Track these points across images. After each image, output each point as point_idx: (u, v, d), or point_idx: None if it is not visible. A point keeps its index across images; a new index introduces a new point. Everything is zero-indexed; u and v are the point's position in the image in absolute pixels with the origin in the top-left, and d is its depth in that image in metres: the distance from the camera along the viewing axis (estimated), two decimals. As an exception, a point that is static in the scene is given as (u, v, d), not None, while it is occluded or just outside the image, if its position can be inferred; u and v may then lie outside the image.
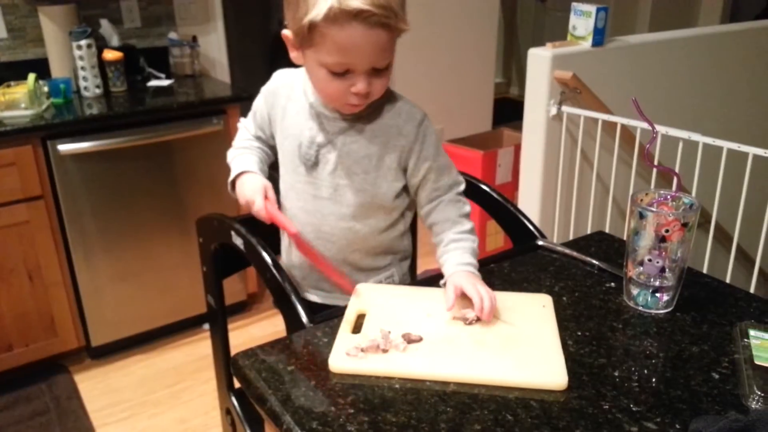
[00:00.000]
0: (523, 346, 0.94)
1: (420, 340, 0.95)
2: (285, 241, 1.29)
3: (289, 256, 1.28)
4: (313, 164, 1.14)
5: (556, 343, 0.94)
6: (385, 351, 0.92)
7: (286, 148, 1.17)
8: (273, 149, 1.25)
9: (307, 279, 1.27)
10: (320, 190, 1.15)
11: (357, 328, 0.98)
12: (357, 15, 0.93)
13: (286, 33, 1.04)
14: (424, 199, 1.16)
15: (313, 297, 1.27)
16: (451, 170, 1.16)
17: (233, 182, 1.19)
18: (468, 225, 1.14)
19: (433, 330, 0.97)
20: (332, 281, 1.14)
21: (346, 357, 0.91)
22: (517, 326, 0.99)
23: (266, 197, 1.11)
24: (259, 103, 1.22)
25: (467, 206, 1.17)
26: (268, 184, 1.14)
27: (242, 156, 1.21)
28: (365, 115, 1.10)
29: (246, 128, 1.27)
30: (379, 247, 1.21)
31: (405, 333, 0.95)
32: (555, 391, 0.86)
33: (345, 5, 0.93)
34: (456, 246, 1.10)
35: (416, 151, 1.12)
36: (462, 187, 1.17)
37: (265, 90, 1.21)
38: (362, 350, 0.91)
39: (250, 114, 1.26)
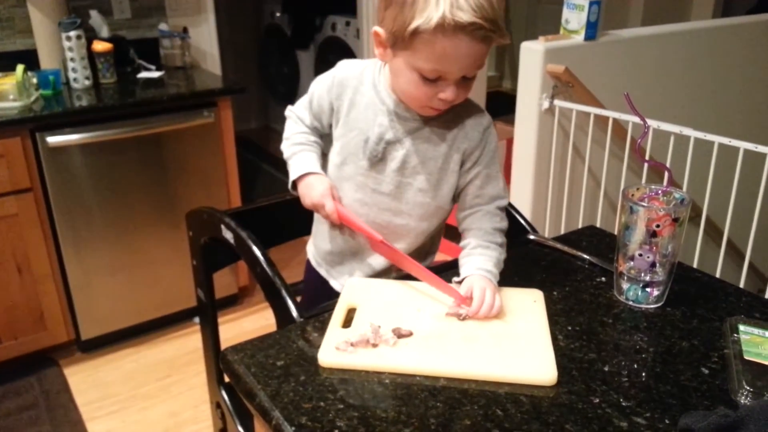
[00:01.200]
0: (513, 341, 0.94)
1: (410, 334, 0.94)
2: (327, 226, 1.23)
3: (335, 241, 1.23)
4: (379, 160, 1.12)
5: (546, 338, 0.94)
6: (375, 346, 0.92)
7: (351, 140, 1.13)
8: (325, 138, 1.21)
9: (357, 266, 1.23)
10: (381, 185, 1.13)
11: (347, 323, 0.98)
12: (465, 27, 0.92)
13: (378, 30, 1.02)
14: (465, 204, 1.15)
15: None
16: (498, 182, 1.14)
17: (294, 181, 1.16)
18: (500, 239, 1.13)
19: (423, 325, 0.97)
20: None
21: (336, 352, 0.90)
22: (507, 321, 0.99)
23: (334, 199, 1.11)
24: (320, 92, 1.16)
25: (504, 222, 1.15)
26: (334, 186, 1.14)
27: (302, 153, 1.17)
28: (437, 116, 1.09)
29: (299, 119, 1.21)
30: (422, 247, 1.21)
31: (395, 328, 0.95)
32: (545, 386, 0.86)
33: (458, 18, 0.91)
34: (482, 252, 1.09)
35: (475, 155, 1.12)
36: (504, 202, 1.15)
37: (328, 79, 1.15)
38: (352, 345, 0.91)
39: (304, 102, 1.20)
